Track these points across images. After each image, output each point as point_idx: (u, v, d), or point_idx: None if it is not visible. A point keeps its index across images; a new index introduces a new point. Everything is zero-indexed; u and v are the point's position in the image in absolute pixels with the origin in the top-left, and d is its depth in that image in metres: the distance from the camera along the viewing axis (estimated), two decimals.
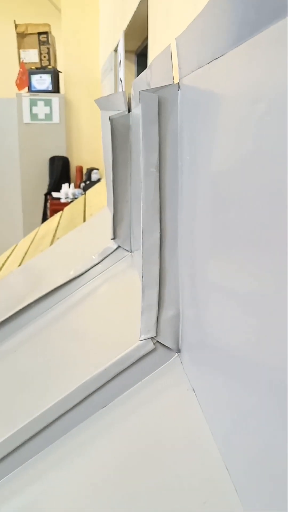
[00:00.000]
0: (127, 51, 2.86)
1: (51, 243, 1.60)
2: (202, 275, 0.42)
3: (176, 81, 0.45)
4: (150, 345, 0.48)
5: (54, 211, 3.21)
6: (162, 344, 0.49)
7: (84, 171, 4.23)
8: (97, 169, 4.07)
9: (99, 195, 2.02)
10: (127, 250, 0.88)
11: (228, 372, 0.35)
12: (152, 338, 0.49)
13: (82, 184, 3.98)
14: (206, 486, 0.33)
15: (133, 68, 3.05)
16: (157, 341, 0.49)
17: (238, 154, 0.31)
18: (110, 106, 0.98)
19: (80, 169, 4.26)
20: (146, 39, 2.35)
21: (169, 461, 0.38)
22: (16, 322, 0.84)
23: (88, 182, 3.91)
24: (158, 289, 0.48)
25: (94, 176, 4.00)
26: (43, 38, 3.97)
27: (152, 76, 0.58)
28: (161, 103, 0.44)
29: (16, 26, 3.98)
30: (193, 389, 0.43)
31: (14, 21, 3.98)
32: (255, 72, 0.27)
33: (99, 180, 3.81)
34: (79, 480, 0.43)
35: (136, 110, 0.74)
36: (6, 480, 0.47)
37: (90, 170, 4.09)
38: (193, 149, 0.41)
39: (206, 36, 0.34)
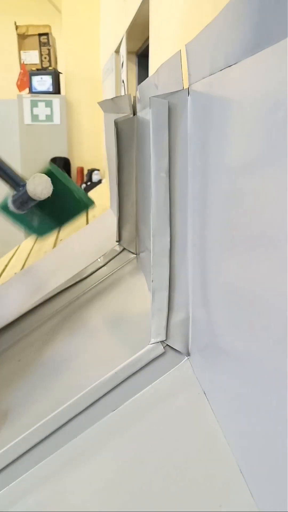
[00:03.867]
0: (128, 52, 2.86)
1: (54, 245, 1.60)
2: (212, 279, 0.42)
3: (185, 87, 0.45)
4: (160, 349, 0.48)
5: None
6: (171, 348, 0.49)
7: (85, 172, 4.23)
8: (98, 170, 4.07)
9: (101, 197, 2.02)
10: (132, 253, 0.88)
11: (240, 375, 0.36)
12: (162, 341, 0.49)
13: (83, 185, 3.98)
14: (220, 489, 0.34)
15: (134, 69, 3.05)
16: (167, 344, 0.49)
17: (251, 161, 0.31)
18: (115, 108, 0.98)
19: (81, 170, 4.26)
20: (147, 40, 2.35)
21: (182, 464, 0.38)
22: (21, 325, 0.84)
23: (89, 183, 3.91)
24: (168, 292, 0.48)
25: (95, 177, 4.01)
26: (44, 39, 3.97)
27: (160, 81, 0.58)
28: (171, 109, 0.45)
29: (16, 27, 3.98)
30: (204, 393, 0.44)
31: (15, 22, 3.98)
32: (271, 81, 0.27)
33: (100, 181, 3.82)
34: (91, 483, 0.43)
35: (142, 113, 0.74)
36: (20, 481, 0.47)
37: (91, 171, 4.09)
38: (204, 154, 0.42)
39: (220, 43, 0.34)
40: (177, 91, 0.45)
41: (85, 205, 0.76)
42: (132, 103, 0.85)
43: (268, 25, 0.27)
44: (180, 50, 0.45)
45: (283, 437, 0.28)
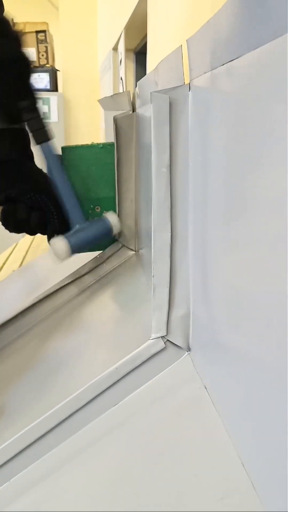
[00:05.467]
0: (125, 50, 2.85)
1: None
2: (213, 274, 0.42)
3: (186, 83, 0.45)
4: (161, 344, 0.49)
5: None
6: (172, 343, 0.49)
7: None
8: None
9: None
10: (131, 249, 0.88)
11: (241, 370, 0.36)
12: (162, 337, 0.49)
13: None
14: (222, 484, 0.34)
15: (132, 66, 3.05)
16: (168, 339, 0.49)
17: (252, 156, 0.31)
18: (114, 106, 0.98)
19: None
20: (144, 37, 2.35)
21: (183, 459, 0.38)
22: (20, 322, 0.84)
23: None
24: (168, 288, 0.48)
25: None
26: (41, 37, 3.96)
27: (160, 77, 0.58)
28: (172, 104, 0.45)
29: (13, 24, 3.97)
30: (205, 387, 0.44)
31: (12, 20, 3.97)
32: (272, 75, 0.27)
33: None
34: (91, 479, 0.43)
35: (141, 109, 0.74)
36: (18, 478, 0.47)
37: None
38: (205, 149, 0.42)
39: (222, 38, 0.35)
40: (178, 86, 0.45)
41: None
42: (131, 99, 0.85)
43: (270, 19, 0.27)
44: (181, 45, 0.45)
45: (285, 431, 0.28)
